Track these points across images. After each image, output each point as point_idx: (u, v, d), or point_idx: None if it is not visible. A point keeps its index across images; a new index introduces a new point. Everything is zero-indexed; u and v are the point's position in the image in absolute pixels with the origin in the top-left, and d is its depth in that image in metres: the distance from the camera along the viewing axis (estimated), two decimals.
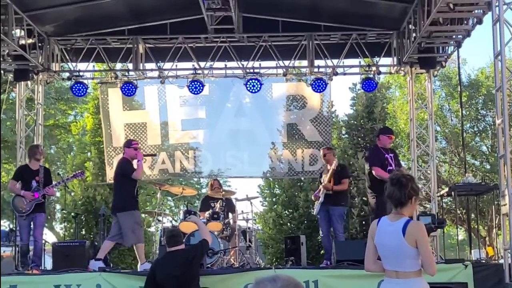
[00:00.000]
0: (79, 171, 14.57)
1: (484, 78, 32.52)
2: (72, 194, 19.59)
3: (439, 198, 15.49)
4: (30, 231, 12.73)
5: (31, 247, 12.92)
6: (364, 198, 19.00)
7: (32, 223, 12.65)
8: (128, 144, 12.31)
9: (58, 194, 19.46)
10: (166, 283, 9.11)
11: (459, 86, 24.05)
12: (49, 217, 30.65)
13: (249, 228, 14.48)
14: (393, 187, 5.63)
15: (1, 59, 15.30)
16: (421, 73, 16.26)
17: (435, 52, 14.96)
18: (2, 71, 16.10)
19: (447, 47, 15.00)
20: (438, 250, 14.51)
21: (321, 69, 15.93)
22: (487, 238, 30.60)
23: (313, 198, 13.45)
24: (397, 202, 5.59)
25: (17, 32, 14.58)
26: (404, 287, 5.52)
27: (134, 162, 12.03)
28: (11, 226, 21.06)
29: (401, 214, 5.56)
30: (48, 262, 15.50)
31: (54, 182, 13.02)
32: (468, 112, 31.75)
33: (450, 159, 32.56)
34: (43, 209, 12.77)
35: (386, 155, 12.30)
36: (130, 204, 11.91)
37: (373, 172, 12.15)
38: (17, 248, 14.30)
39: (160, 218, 14.74)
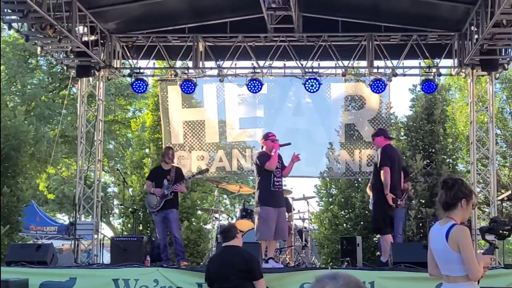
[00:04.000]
0: (205, 168, 15.13)
1: None
2: (131, 190, 19.80)
3: (499, 202, 15.27)
4: (165, 228, 13.52)
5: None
6: (421, 200, 18.82)
7: (166, 219, 13.41)
8: (266, 137, 12.29)
9: (116, 189, 19.74)
10: (216, 277, 9.12)
11: None
12: (106, 212, 31.11)
13: (305, 227, 14.51)
14: (441, 190, 5.59)
15: (65, 55, 15.63)
16: (482, 76, 16.06)
17: (497, 54, 14.76)
18: (64, 67, 16.39)
19: (509, 49, 14.79)
20: (497, 255, 14.30)
21: (380, 70, 15.84)
22: None
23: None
24: (445, 204, 5.54)
25: (80, 28, 14.83)
26: None
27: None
28: (71, 220, 21.43)
29: (450, 218, 5.50)
30: (106, 256, 15.76)
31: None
32: None
33: (510, 163, 32.08)
34: (175, 206, 13.51)
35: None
36: (266, 199, 11.86)
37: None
38: (76, 242, 14.60)
39: (216, 215, 14.83)
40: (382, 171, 11.89)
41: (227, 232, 9.39)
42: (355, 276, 2.26)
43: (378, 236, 13.19)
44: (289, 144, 12.32)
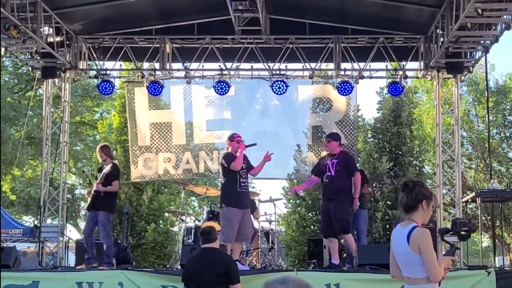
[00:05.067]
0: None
1: None
2: None
3: (464, 204, 15.38)
4: (92, 227, 12.67)
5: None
6: (388, 202, 18.93)
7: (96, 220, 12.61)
8: (231, 138, 12.21)
9: (82, 191, 19.61)
10: (194, 278, 9.09)
11: (486, 92, 23.88)
12: (73, 214, 30.87)
13: (272, 230, 14.48)
14: (402, 193, 5.62)
15: (30, 56, 15.47)
16: (448, 78, 16.17)
17: (463, 57, 14.88)
18: (30, 68, 16.24)
19: (474, 52, 14.91)
20: (461, 256, 14.41)
21: (347, 72, 15.89)
22: (511, 245, 30.39)
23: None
24: (406, 206, 5.57)
25: (46, 29, 14.69)
26: None
27: None
28: (35, 222, 21.24)
29: (411, 220, 5.53)
30: (71, 258, 15.63)
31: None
32: (495, 118, 31.58)
33: (476, 165, 32.37)
34: (103, 207, 12.54)
35: (327, 161, 12.16)
36: (231, 199, 11.81)
37: None
38: (41, 245, 14.45)
39: (183, 217, 14.77)
40: (355, 177, 11.99)
41: (208, 234, 9.34)
42: (305, 280, 2.24)
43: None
44: (255, 144, 12.31)
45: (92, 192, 12.60)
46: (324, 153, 13.97)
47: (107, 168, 12.61)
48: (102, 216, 12.48)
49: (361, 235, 12.90)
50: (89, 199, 12.81)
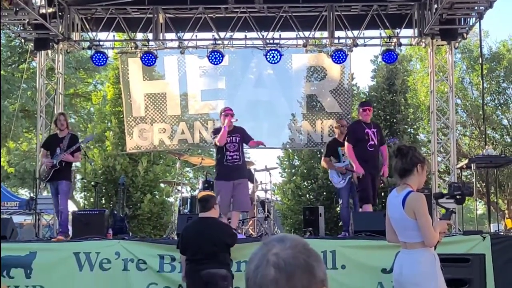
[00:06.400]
0: (89, 135, 14.65)
1: (506, 51, 32.34)
2: (92, 163, 19.69)
3: (459, 170, 15.44)
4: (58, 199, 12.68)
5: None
6: None
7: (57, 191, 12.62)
8: (221, 111, 12.33)
9: (78, 164, 19.61)
10: (190, 246, 9.15)
11: (480, 59, 23.86)
12: None
13: (267, 199, 14.54)
14: (396, 158, 5.64)
15: (22, 28, 15.39)
16: (442, 45, 16.15)
17: (457, 24, 14.86)
18: (22, 40, 16.17)
19: (468, 19, 14.89)
20: (456, 223, 14.49)
21: (341, 41, 15.83)
22: (506, 211, 30.56)
23: (343, 170, 12.93)
24: (402, 171, 5.60)
25: (38, 0, 14.61)
26: (410, 257, 5.57)
27: None
28: (31, 194, 21.26)
29: (406, 185, 5.56)
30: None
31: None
32: (489, 85, 31.61)
33: (470, 132, 32.47)
34: (65, 177, 12.63)
35: (366, 130, 12.27)
36: (218, 173, 12.07)
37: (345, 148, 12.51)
38: (37, 216, 14.48)
39: (179, 188, 14.80)
40: (385, 146, 12.55)
41: (205, 201, 9.37)
42: (303, 239, 2.26)
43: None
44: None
45: (57, 164, 12.49)
46: (325, 124, 13.99)
47: (67, 138, 12.66)
48: (65, 185, 12.58)
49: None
50: (48, 171, 12.60)
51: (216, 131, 12.10)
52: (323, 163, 13.82)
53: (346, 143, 12.41)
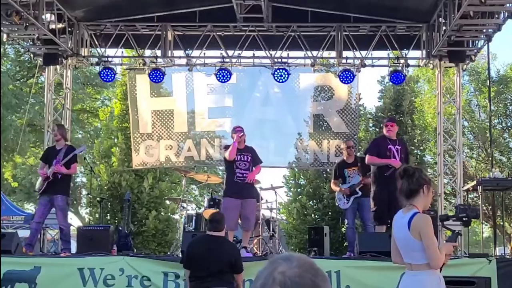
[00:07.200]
0: (82, 145, 14.64)
1: None
2: (98, 179, 19.72)
3: (465, 193, 15.39)
4: (44, 212, 12.26)
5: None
6: None
7: (51, 205, 12.21)
8: (232, 129, 12.35)
9: (84, 179, 19.65)
10: (196, 262, 9.11)
11: (488, 81, 23.86)
12: (75, 202, 30.91)
13: (273, 217, 14.51)
14: (402, 179, 5.62)
15: (31, 43, 15.45)
16: (450, 67, 16.16)
17: (465, 46, 14.85)
18: (31, 55, 16.23)
19: (477, 41, 14.89)
20: (462, 246, 14.41)
21: (349, 61, 15.86)
22: None
23: (347, 192, 12.93)
24: (408, 192, 5.58)
25: (47, 16, 14.67)
26: (415, 279, 5.54)
27: None
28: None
29: (412, 206, 5.54)
30: (73, 245, 15.65)
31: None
32: (496, 108, 31.59)
33: (477, 154, 32.39)
34: (61, 191, 12.16)
35: (390, 146, 12.21)
36: (227, 190, 12.07)
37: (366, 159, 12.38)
38: (42, 231, 14.46)
39: (184, 205, 14.79)
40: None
41: (218, 222, 9.30)
42: (310, 258, 2.25)
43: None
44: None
45: (50, 175, 11.99)
46: (331, 144, 13.94)
47: (64, 150, 12.26)
48: (61, 200, 12.10)
49: (367, 222, 12.90)
50: (42, 183, 12.17)
51: (227, 147, 12.19)
52: (332, 186, 13.80)
53: (367, 156, 12.35)
